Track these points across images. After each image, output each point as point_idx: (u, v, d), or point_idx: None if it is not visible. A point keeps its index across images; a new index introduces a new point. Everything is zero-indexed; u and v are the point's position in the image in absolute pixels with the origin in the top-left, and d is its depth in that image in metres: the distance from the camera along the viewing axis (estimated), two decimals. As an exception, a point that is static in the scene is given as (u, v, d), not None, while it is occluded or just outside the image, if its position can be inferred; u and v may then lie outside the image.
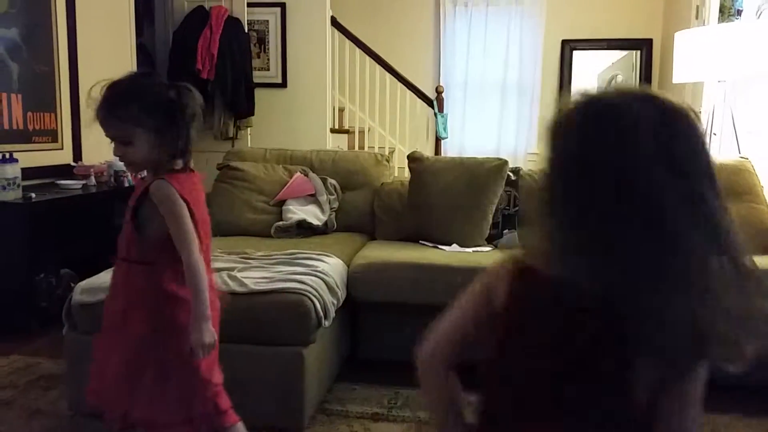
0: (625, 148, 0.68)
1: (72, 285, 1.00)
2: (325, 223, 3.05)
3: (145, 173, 1.51)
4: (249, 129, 4.96)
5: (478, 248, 2.72)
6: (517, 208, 2.92)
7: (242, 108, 4.77)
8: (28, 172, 2.90)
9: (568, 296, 0.69)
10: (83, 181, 3.47)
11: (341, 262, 2.43)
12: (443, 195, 2.82)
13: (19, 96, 3.42)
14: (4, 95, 3.32)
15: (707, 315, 0.63)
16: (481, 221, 2.79)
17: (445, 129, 5.34)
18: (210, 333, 1.39)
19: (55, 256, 2.93)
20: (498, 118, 5.97)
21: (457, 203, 2.78)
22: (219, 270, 2.15)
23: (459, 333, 0.88)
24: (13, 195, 2.84)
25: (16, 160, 2.90)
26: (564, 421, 0.74)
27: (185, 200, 1.40)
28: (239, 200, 3.12)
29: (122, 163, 1.45)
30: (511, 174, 2.93)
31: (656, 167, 0.67)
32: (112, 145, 1.41)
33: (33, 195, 2.87)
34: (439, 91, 5.34)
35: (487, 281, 0.81)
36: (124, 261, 1.47)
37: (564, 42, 5.85)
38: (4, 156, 2.90)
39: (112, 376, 1.45)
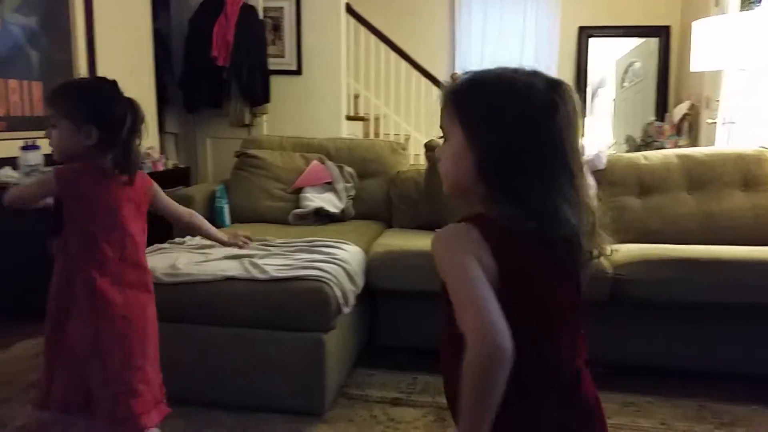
0: (534, 109, 0.87)
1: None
2: (342, 211, 3.07)
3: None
4: (264, 116, 4.97)
5: (495, 236, 2.72)
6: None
7: (258, 95, 4.78)
8: (48, 159, 2.93)
9: (527, 228, 0.85)
10: (102, 168, 3.50)
11: (360, 249, 2.45)
12: (461, 183, 2.82)
13: (40, 84, 3.46)
14: (25, 83, 3.36)
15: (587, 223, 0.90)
16: (497, 209, 2.79)
17: (460, 116, 5.32)
18: None
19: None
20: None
21: (475, 191, 2.78)
22: (240, 257, 2.18)
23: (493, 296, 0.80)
24: (35, 181, 2.88)
25: (39, 147, 2.94)
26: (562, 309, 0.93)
27: (63, 187, 1.51)
28: (257, 187, 3.14)
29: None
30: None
31: (557, 123, 0.86)
32: None
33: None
34: (454, 78, 5.30)
35: (464, 248, 0.85)
36: None
37: (581, 29, 5.80)
38: (26, 143, 2.94)
39: None
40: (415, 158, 4.77)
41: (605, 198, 2.87)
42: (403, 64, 5.19)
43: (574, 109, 0.89)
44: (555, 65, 5.78)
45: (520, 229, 0.85)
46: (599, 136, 6.23)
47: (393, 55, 5.18)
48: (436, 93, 5.00)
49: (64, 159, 1.53)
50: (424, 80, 5.23)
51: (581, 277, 0.94)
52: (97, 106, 1.50)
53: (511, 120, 0.86)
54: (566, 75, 5.88)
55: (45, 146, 2.99)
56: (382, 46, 5.18)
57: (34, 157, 2.91)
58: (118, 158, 1.51)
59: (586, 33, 5.81)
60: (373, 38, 5.17)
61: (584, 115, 4.78)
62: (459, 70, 5.57)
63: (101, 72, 3.94)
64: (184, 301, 2.05)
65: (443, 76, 5.37)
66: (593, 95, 6.24)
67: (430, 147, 3.02)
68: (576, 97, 0.90)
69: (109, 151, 1.50)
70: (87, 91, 1.54)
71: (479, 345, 0.75)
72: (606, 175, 2.92)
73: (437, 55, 5.90)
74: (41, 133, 3.32)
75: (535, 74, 0.91)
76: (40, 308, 1.56)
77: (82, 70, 3.79)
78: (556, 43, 5.73)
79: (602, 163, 2.94)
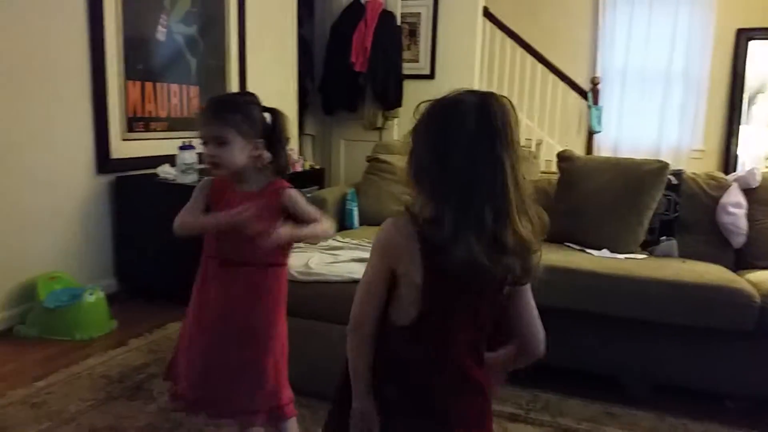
0: (458, 129, 0.96)
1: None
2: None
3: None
4: (396, 120, 5.08)
5: (631, 255, 2.58)
6: (677, 214, 2.73)
7: (390, 99, 4.90)
8: (202, 158, 3.21)
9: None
10: (247, 167, 3.78)
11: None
12: (595, 197, 2.71)
13: (196, 88, 3.80)
14: (184, 87, 3.71)
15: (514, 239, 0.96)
16: (636, 226, 2.64)
17: (599, 122, 5.09)
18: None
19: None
20: (660, 112, 5.58)
21: (610, 206, 2.66)
22: (365, 260, 2.26)
23: (377, 300, 1.05)
24: (190, 178, 3.18)
25: (194, 147, 3.23)
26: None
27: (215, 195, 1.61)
28: (385, 192, 3.23)
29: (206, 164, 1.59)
30: (672, 177, 2.73)
31: (479, 140, 0.95)
32: (204, 145, 1.56)
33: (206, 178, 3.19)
34: (594, 83, 5.09)
35: (385, 251, 1.01)
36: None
37: (739, 31, 5.31)
38: (184, 143, 3.24)
39: None
40: (547, 164, 4.64)
41: (757, 219, 2.62)
42: (539, 67, 5.05)
43: (493, 126, 0.95)
44: (707, 70, 5.35)
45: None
46: (756, 145, 5.68)
47: (529, 58, 5.06)
48: (573, 98, 4.84)
49: (231, 173, 1.57)
50: (561, 85, 5.06)
51: (498, 296, 1.04)
52: (259, 119, 1.57)
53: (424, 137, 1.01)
54: (720, 80, 5.43)
55: (200, 146, 3.29)
56: (518, 50, 5.08)
57: (190, 156, 3.20)
58: (280, 165, 1.59)
59: (745, 35, 5.33)
60: (509, 42, 5.09)
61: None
62: (600, 74, 5.35)
63: (250, 77, 4.25)
64: (313, 298, 2.16)
65: (583, 81, 5.17)
66: (750, 102, 5.68)
67: (563, 157, 2.93)
68: (503, 113, 0.96)
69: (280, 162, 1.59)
70: (250, 105, 1.58)
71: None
72: (760, 194, 2.67)
73: (577, 60, 5.68)
74: (196, 134, 3.66)
75: (472, 93, 1.00)
76: (185, 296, 1.70)
77: (233, 75, 4.11)
78: (710, 47, 5.30)
79: (755, 181, 2.69)
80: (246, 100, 1.59)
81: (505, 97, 1.00)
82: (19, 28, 2.77)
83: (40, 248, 2.95)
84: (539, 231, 1.00)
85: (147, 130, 3.46)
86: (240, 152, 1.52)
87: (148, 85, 3.43)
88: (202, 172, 3.21)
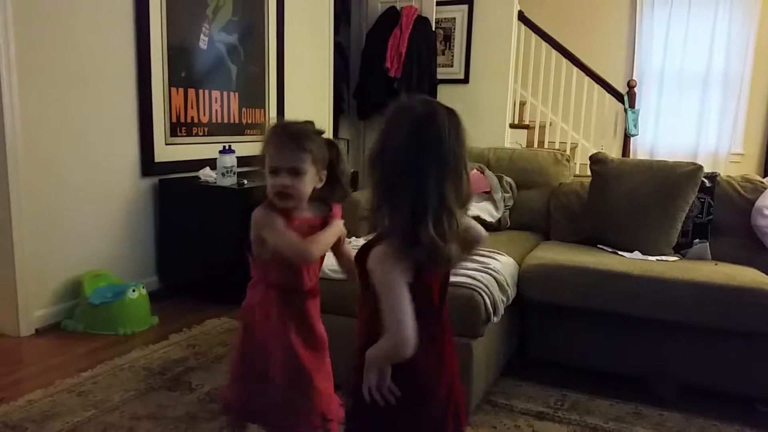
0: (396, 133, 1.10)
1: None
2: (499, 221, 3.09)
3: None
4: (430, 124, 5.13)
5: (663, 257, 2.57)
6: (710, 217, 2.70)
7: (425, 104, 4.95)
8: (241, 161, 3.33)
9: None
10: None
11: (513, 260, 2.46)
12: (628, 199, 2.70)
13: (236, 94, 3.93)
14: (226, 93, 3.85)
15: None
16: (668, 229, 2.63)
17: (636, 126, 5.04)
18: None
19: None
20: (698, 114, 5.49)
21: (643, 209, 2.65)
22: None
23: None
24: (229, 181, 3.29)
25: (233, 151, 3.34)
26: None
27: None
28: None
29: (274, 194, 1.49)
30: (706, 180, 2.71)
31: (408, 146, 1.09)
32: (273, 174, 1.45)
33: (245, 181, 3.30)
34: (631, 86, 5.04)
35: (393, 271, 1.08)
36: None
37: (784, 30, 5.18)
38: (224, 147, 3.36)
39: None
40: (582, 168, 4.62)
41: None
42: (575, 70, 5.03)
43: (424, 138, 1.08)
44: (749, 71, 5.24)
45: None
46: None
47: (564, 61, 5.05)
48: (609, 101, 4.82)
49: (298, 203, 1.51)
50: (597, 88, 5.03)
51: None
52: (325, 149, 1.52)
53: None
54: (762, 83, 5.30)
55: (239, 150, 3.41)
56: (553, 53, 5.07)
57: (230, 160, 3.32)
58: (342, 193, 1.57)
59: (790, 35, 5.18)
60: (544, 45, 5.09)
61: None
62: (636, 77, 5.29)
63: (288, 83, 4.36)
64: (347, 296, 2.22)
65: (619, 84, 5.13)
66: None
67: (596, 160, 2.93)
68: (446, 122, 1.10)
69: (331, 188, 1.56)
70: (320, 136, 1.54)
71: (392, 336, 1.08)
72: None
73: (613, 62, 5.64)
74: (236, 138, 3.80)
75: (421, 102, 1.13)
76: (223, 294, 1.75)
77: (272, 82, 4.23)
78: (752, 49, 5.18)
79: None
80: (315, 130, 1.53)
81: (453, 113, 1.14)
82: (71, 39, 2.93)
83: (86, 247, 3.11)
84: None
85: (189, 134, 3.60)
86: (310, 183, 1.47)
87: (191, 91, 3.57)
88: (241, 176, 3.32)
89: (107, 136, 3.16)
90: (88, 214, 3.10)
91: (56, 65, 2.88)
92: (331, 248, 1.56)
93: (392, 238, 1.10)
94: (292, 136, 1.46)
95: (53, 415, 2.07)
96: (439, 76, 5.03)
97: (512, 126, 5.23)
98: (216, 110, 3.78)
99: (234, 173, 3.31)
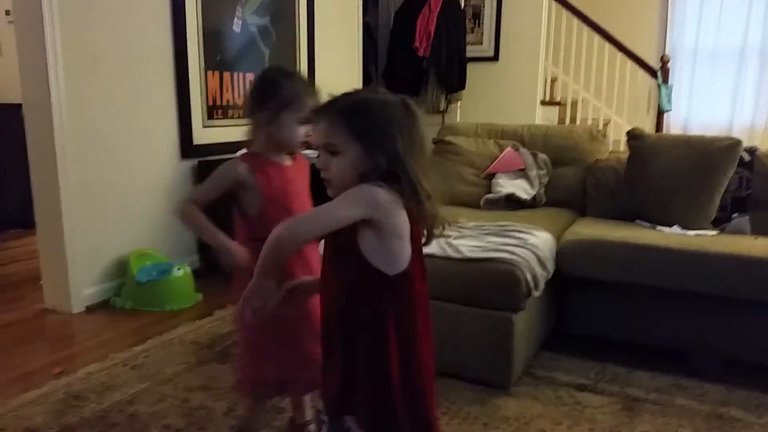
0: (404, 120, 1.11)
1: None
2: (534, 198, 3.11)
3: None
4: (459, 102, 5.13)
5: (702, 231, 2.57)
6: (749, 192, 2.69)
7: (453, 83, 4.95)
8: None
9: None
10: (318, 151, 3.93)
11: (550, 236, 2.49)
12: (665, 174, 2.70)
13: (270, 76, 3.97)
14: (259, 76, 3.89)
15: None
16: (707, 204, 2.62)
17: (669, 101, 4.97)
18: None
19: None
20: (733, 89, 5.40)
21: (681, 184, 2.65)
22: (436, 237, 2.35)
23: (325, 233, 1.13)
24: (266, 162, 3.35)
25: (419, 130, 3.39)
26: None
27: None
28: (452, 172, 3.30)
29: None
30: (745, 154, 2.69)
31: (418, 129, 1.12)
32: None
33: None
34: (664, 61, 4.97)
35: (375, 204, 1.07)
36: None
37: (824, 0, 5.04)
38: (259, 128, 3.41)
39: None
40: (615, 144, 4.58)
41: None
42: (607, 46, 4.97)
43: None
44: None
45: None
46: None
47: (596, 37, 4.99)
48: (642, 77, 4.75)
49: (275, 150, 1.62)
50: (629, 63, 4.97)
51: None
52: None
53: (396, 130, 1.09)
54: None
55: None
56: (585, 29, 5.01)
57: (264, 141, 3.37)
58: None
59: (830, 5, 5.05)
60: (575, 21, 5.03)
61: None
62: (669, 52, 5.21)
63: (318, 65, 4.39)
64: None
65: (652, 59, 5.06)
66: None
67: (633, 135, 2.92)
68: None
69: None
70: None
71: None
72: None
73: (645, 37, 5.55)
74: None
75: (385, 93, 1.14)
76: None
77: (303, 63, 4.27)
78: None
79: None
80: None
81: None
82: (110, 24, 3.00)
83: (132, 228, 3.21)
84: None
85: (225, 117, 3.66)
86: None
87: (226, 74, 3.63)
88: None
89: (148, 119, 3.24)
90: (133, 197, 3.20)
91: (98, 52, 2.95)
92: None
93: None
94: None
95: (112, 386, 2.17)
96: (468, 54, 5.01)
97: (543, 103, 5.20)
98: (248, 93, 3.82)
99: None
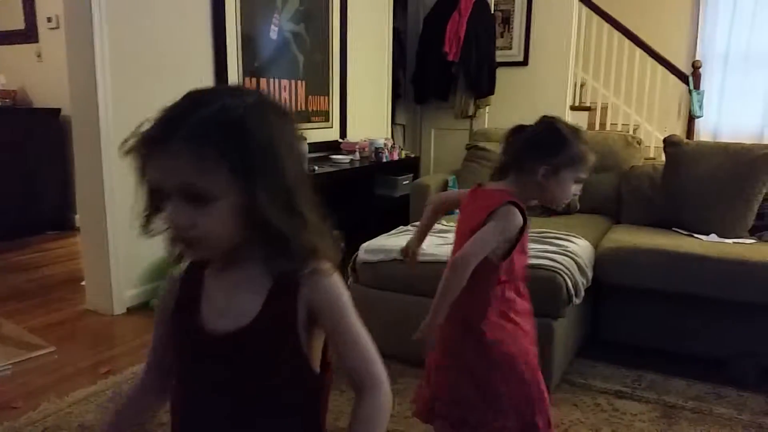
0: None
1: (341, 244, 1.03)
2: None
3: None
4: (487, 108, 5.15)
5: (739, 239, 2.57)
6: (788, 199, 2.68)
7: (483, 87, 4.96)
8: (308, 148, 3.44)
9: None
10: (350, 156, 3.99)
11: (588, 243, 2.50)
12: (702, 182, 2.70)
13: (303, 82, 4.04)
14: (293, 82, 3.96)
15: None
16: (744, 211, 2.62)
17: (701, 107, 4.93)
18: None
19: (330, 218, 3.45)
20: (764, 94, 5.34)
21: (718, 191, 2.65)
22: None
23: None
24: (301, 167, 3.41)
25: (304, 138, 3.45)
26: None
27: None
28: (485, 178, 3.31)
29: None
30: (783, 162, 2.68)
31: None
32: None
33: (315, 167, 3.42)
34: (696, 66, 4.93)
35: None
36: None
37: None
38: (295, 134, 3.47)
39: None
40: (644, 149, 4.55)
41: None
42: (637, 51, 4.95)
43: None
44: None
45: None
46: None
47: (627, 42, 4.97)
48: (673, 82, 4.71)
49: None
50: (660, 68, 4.94)
51: None
52: None
53: (288, 151, 0.81)
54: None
55: (308, 137, 3.53)
56: (615, 33, 4.99)
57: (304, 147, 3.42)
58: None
59: None
60: (605, 26, 5.02)
61: None
62: (700, 57, 5.17)
63: (350, 70, 4.44)
64: (427, 277, 2.31)
65: (683, 64, 5.03)
66: None
67: (670, 142, 2.93)
68: None
69: None
70: None
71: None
72: None
73: (675, 42, 5.52)
74: (303, 125, 3.92)
75: (250, 93, 0.84)
76: None
77: (336, 70, 4.33)
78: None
79: None
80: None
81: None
82: (153, 32, 3.08)
83: (171, 231, 3.27)
84: None
85: (261, 122, 3.72)
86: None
87: (263, 81, 3.70)
88: (309, 162, 3.43)
89: (188, 125, 3.30)
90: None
91: (139, 58, 3.03)
92: None
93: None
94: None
95: (158, 386, 2.23)
96: (497, 59, 5.02)
97: (573, 108, 5.20)
98: (284, 99, 3.90)
99: (306, 160, 3.43)
